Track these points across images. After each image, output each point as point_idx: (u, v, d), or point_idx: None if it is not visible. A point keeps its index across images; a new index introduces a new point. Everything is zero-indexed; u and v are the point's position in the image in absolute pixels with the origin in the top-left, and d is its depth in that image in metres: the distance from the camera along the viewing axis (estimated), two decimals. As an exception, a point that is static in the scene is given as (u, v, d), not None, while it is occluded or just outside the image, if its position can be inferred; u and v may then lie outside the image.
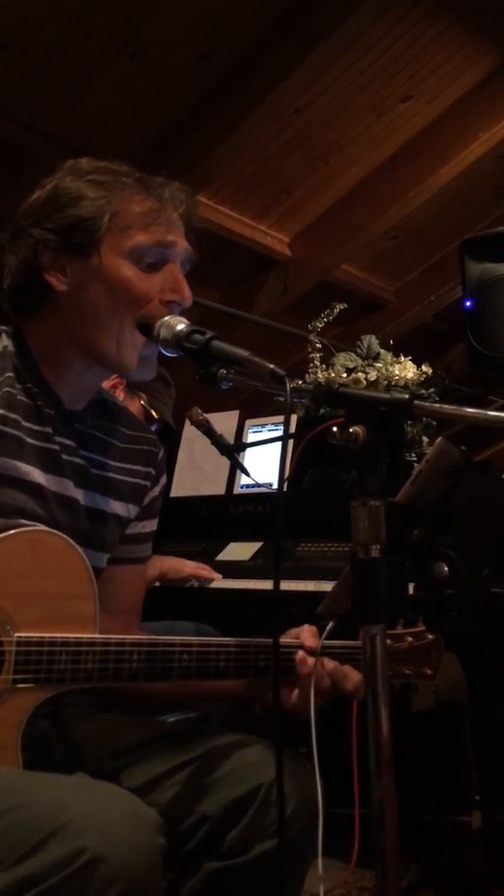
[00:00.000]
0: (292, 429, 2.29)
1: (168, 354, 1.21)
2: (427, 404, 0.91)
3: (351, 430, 0.92)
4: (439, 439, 1.00)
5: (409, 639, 1.30)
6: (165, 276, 1.22)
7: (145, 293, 1.20)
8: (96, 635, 1.13)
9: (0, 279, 1.27)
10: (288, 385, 1.00)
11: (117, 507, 1.32)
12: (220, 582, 2.20)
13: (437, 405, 0.91)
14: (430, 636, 1.31)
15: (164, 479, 1.42)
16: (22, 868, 0.90)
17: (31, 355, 1.25)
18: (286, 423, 0.99)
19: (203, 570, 2.22)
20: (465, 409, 0.89)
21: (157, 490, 1.40)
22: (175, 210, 1.24)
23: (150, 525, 1.40)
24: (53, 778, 1.05)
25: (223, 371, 1.11)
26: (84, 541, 1.19)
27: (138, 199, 1.21)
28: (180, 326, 1.17)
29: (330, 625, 1.18)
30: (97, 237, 1.19)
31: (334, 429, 0.92)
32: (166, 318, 1.19)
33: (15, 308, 1.27)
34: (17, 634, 1.08)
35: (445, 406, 0.91)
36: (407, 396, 0.90)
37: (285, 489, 1.51)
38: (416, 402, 0.90)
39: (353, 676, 1.23)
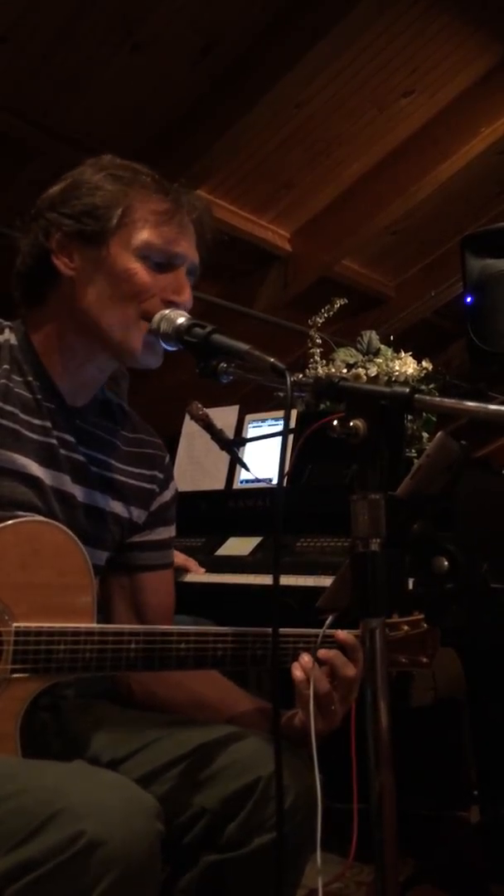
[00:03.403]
0: (292, 424, 2.29)
1: (168, 348, 1.21)
2: (428, 398, 0.91)
3: (351, 423, 0.92)
4: (440, 434, 1.00)
5: (405, 627, 1.30)
6: (170, 278, 1.23)
7: (148, 288, 1.20)
8: (94, 625, 1.14)
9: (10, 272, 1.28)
10: (288, 379, 1.00)
11: (116, 507, 1.31)
12: (220, 576, 2.20)
13: (438, 399, 0.91)
14: (425, 625, 1.30)
15: (174, 485, 1.41)
16: (20, 852, 0.90)
17: (33, 349, 1.25)
18: (286, 417, 0.99)
19: (190, 562, 2.23)
20: (466, 404, 0.89)
21: (167, 495, 1.39)
22: (189, 215, 1.25)
23: (168, 532, 1.40)
24: (52, 765, 1.06)
25: (223, 365, 1.11)
26: (82, 537, 1.19)
27: (155, 198, 1.23)
28: (181, 320, 1.17)
29: (330, 618, 1.18)
30: (108, 227, 1.20)
31: (335, 423, 0.92)
32: (166, 311, 1.19)
33: (22, 293, 1.28)
34: (15, 624, 1.08)
35: (446, 400, 0.91)
36: (408, 390, 0.90)
37: (285, 484, 1.51)
38: (416, 395, 0.90)
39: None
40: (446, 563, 0.98)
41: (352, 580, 0.93)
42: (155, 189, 1.23)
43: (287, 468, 2.22)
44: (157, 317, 1.19)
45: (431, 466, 1.00)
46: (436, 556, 0.98)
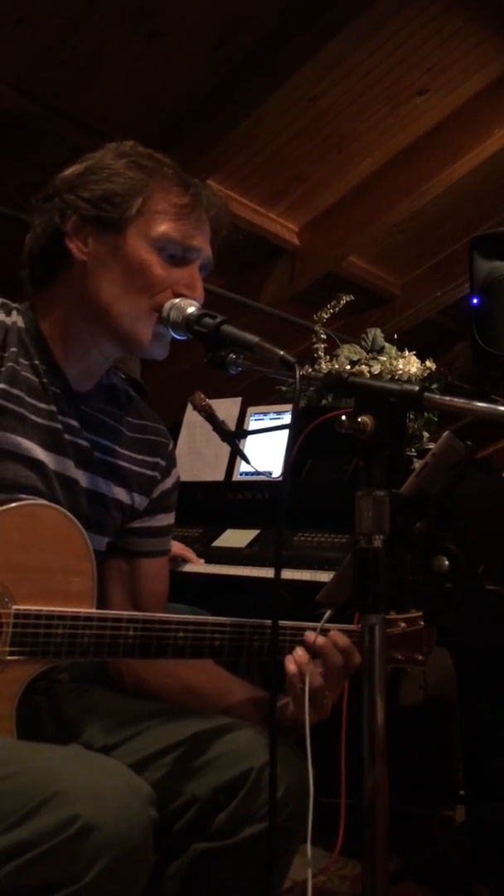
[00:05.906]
0: (295, 418, 2.29)
1: (177, 337, 1.21)
2: (437, 397, 0.91)
3: (360, 419, 0.92)
4: (446, 433, 1.00)
5: (402, 624, 1.30)
6: (183, 272, 1.22)
7: (161, 281, 1.20)
8: (93, 610, 1.14)
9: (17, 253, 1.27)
10: (297, 372, 1.00)
11: (119, 493, 1.31)
12: (217, 567, 2.21)
13: (448, 398, 0.91)
14: (422, 622, 1.31)
15: (176, 472, 1.41)
16: (14, 834, 0.91)
17: (40, 332, 1.25)
18: (294, 411, 0.99)
19: (188, 552, 2.23)
20: (475, 404, 0.89)
21: (169, 483, 1.39)
22: (207, 212, 1.25)
23: (167, 519, 1.40)
24: (48, 748, 1.06)
25: (232, 356, 1.11)
26: (84, 522, 1.19)
27: (175, 191, 1.22)
28: (191, 309, 1.18)
29: (328, 612, 1.19)
30: (127, 215, 1.20)
31: (343, 418, 0.92)
32: (176, 300, 1.19)
33: (32, 274, 1.27)
34: (15, 607, 1.08)
35: (455, 399, 0.91)
36: (417, 388, 0.90)
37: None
38: (426, 394, 0.90)
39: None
40: (447, 562, 0.98)
41: (354, 576, 0.93)
42: (176, 181, 1.23)
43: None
44: (167, 305, 1.19)
45: (436, 466, 1.00)
46: (436, 554, 0.98)
